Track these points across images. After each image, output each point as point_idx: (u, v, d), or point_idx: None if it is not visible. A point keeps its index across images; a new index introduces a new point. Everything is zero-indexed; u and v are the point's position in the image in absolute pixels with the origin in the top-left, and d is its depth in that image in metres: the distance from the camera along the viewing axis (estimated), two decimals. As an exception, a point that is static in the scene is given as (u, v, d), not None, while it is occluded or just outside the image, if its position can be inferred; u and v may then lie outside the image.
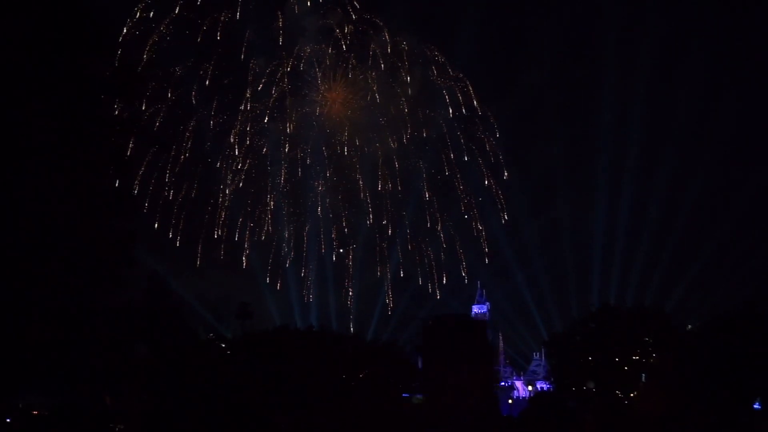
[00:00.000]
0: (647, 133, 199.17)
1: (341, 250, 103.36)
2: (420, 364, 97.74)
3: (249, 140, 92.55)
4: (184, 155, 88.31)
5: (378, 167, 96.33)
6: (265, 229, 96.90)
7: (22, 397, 41.23)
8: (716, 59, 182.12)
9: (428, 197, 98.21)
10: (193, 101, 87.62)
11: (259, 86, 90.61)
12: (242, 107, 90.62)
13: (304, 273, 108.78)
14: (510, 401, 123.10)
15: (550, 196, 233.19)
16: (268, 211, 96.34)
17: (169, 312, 58.26)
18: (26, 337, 27.99)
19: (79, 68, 27.95)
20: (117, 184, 30.83)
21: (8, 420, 40.98)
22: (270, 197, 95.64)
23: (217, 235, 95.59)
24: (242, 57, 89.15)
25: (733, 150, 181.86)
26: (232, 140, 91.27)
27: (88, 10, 27.68)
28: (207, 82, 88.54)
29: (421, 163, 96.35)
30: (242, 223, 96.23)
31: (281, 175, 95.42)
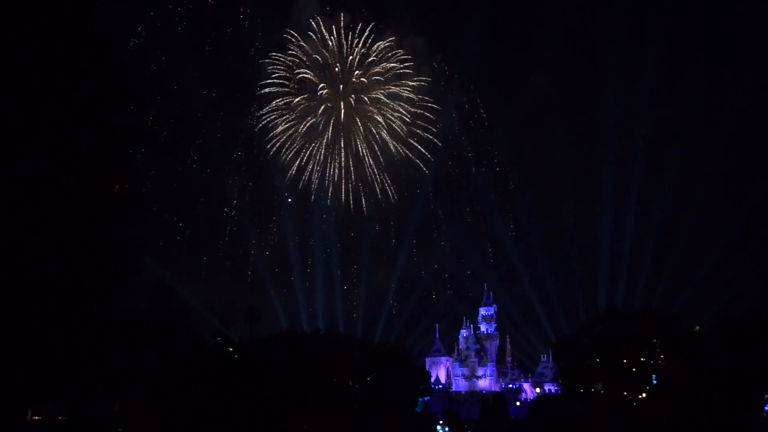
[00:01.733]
0: (653, 137, 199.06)
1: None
2: None
3: (256, 149, 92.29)
4: (192, 164, 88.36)
5: (384, 174, 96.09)
6: (273, 234, 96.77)
7: (32, 405, 41.40)
8: (721, 64, 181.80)
9: (433, 206, 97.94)
10: (199, 115, 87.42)
11: (264, 91, 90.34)
12: (249, 117, 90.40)
13: (309, 284, 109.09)
14: (518, 403, 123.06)
15: (557, 199, 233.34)
16: (275, 219, 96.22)
17: (176, 318, 58.36)
18: (34, 344, 28.12)
19: (87, 76, 28.07)
20: (125, 192, 30.93)
21: None
22: (276, 204, 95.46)
23: (225, 241, 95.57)
24: (249, 70, 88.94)
25: (739, 153, 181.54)
26: (238, 150, 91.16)
27: (97, 18, 27.82)
28: (214, 94, 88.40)
29: (426, 170, 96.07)
30: (249, 231, 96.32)
31: (287, 182, 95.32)
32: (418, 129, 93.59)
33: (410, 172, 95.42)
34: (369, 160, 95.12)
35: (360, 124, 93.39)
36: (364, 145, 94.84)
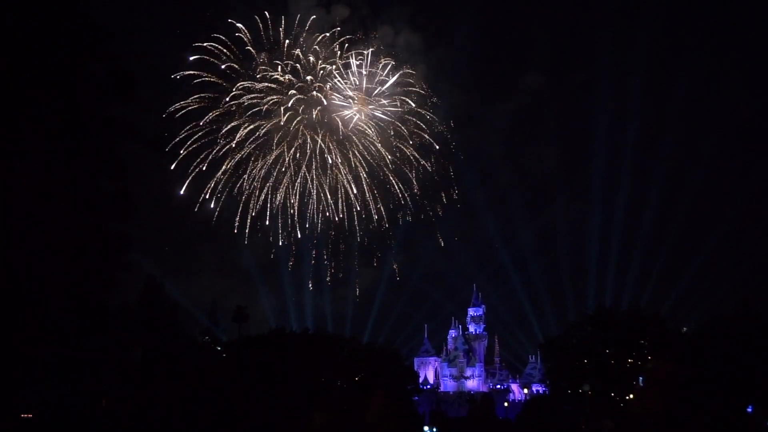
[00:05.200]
0: (643, 137, 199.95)
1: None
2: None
3: (236, 150, 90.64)
4: (181, 158, 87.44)
5: (370, 174, 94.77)
6: (261, 228, 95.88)
7: (18, 401, 41.08)
8: (712, 66, 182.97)
9: (422, 204, 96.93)
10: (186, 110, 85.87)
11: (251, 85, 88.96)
12: (236, 111, 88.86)
13: (297, 283, 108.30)
14: (506, 404, 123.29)
15: (547, 199, 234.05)
16: (265, 216, 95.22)
17: (164, 315, 58.17)
18: (22, 340, 27.92)
19: (75, 69, 27.92)
20: (113, 187, 30.75)
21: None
22: (266, 202, 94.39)
23: (214, 238, 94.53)
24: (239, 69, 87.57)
25: (727, 154, 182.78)
26: (228, 143, 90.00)
27: (85, 11, 27.67)
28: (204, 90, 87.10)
29: (412, 171, 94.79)
30: (239, 227, 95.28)
31: (277, 179, 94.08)
32: (402, 130, 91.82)
33: (397, 170, 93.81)
34: (356, 157, 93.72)
35: (343, 128, 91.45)
36: (350, 148, 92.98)
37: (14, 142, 25.52)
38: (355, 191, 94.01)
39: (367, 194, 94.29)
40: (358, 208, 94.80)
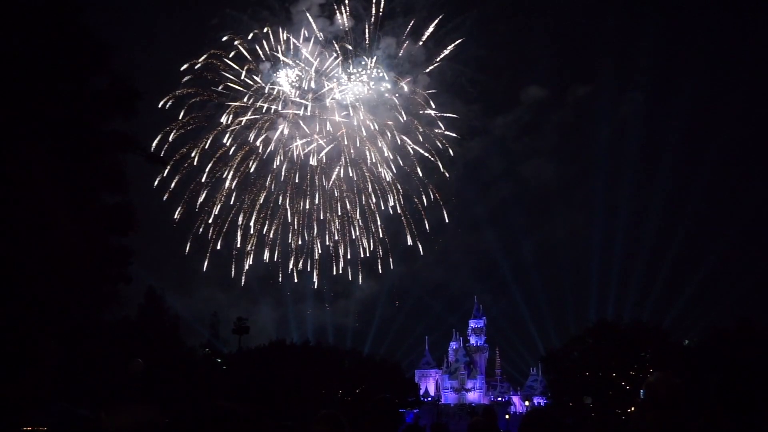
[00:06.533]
0: (645, 151, 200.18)
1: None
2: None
3: (237, 162, 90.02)
4: (182, 172, 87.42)
5: (370, 190, 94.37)
6: (265, 244, 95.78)
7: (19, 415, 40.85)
8: (714, 79, 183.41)
9: (424, 216, 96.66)
10: (188, 128, 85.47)
11: (250, 104, 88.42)
12: (234, 126, 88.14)
13: (298, 295, 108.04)
14: (507, 417, 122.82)
15: (548, 212, 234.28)
16: (267, 232, 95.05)
17: (165, 328, 58.03)
18: (21, 354, 27.81)
19: (77, 83, 27.98)
20: (114, 200, 30.77)
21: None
22: (267, 219, 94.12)
23: (215, 251, 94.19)
24: (242, 76, 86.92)
25: (729, 168, 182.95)
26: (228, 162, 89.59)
27: (87, 25, 27.76)
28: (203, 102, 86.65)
29: (412, 186, 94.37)
30: (241, 241, 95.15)
31: (275, 202, 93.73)
32: (401, 143, 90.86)
33: (399, 184, 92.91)
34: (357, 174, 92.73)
35: (345, 143, 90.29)
36: (349, 165, 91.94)
37: (15, 154, 25.53)
38: (356, 211, 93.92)
39: (368, 213, 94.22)
40: (359, 233, 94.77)
